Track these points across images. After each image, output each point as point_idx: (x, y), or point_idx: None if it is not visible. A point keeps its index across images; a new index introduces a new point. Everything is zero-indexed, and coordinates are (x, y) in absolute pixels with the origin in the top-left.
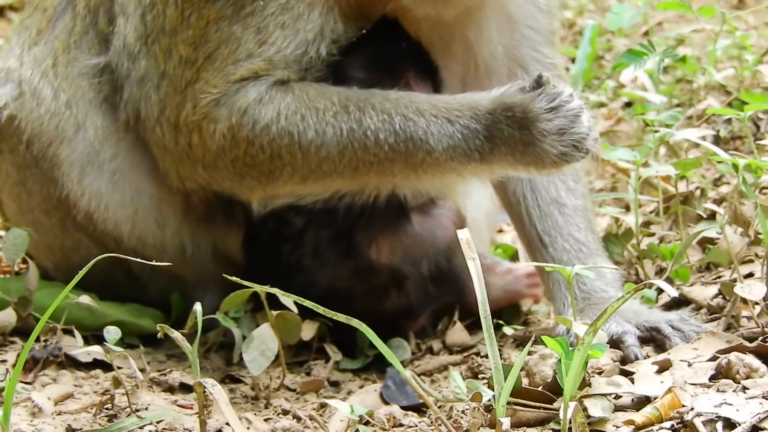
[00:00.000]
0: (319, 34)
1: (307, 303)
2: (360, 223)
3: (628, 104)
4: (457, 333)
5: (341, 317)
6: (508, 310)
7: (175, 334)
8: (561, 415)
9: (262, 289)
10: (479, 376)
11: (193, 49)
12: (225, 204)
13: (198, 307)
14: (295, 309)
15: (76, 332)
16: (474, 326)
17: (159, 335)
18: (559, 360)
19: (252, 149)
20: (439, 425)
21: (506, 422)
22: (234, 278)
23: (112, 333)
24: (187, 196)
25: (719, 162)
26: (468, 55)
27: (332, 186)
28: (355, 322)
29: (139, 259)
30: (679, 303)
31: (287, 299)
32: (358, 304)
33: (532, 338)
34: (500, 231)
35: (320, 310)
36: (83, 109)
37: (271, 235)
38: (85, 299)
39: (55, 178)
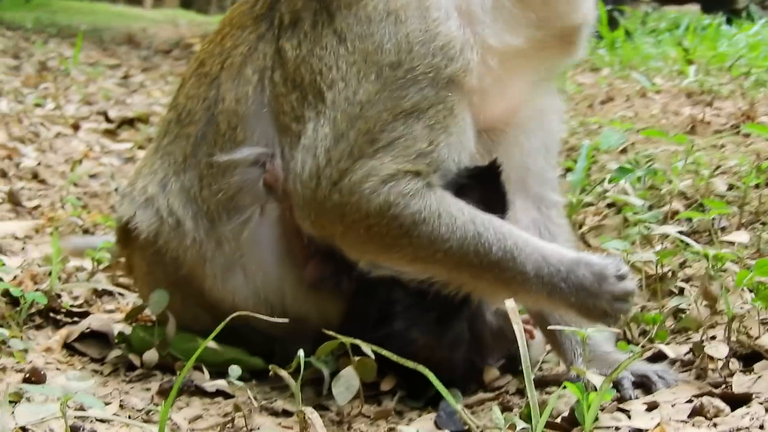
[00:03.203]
0: (456, 143)
1: (383, 351)
2: (459, 307)
3: (610, 204)
4: (492, 374)
5: (410, 364)
6: None
7: (283, 373)
8: None
9: (347, 340)
10: (511, 409)
11: (381, 130)
12: (332, 283)
13: (301, 353)
14: (372, 356)
15: (203, 368)
16: (502, 369)
17: (270, 374)
18: (577, 400)
19: (392, 224)
20: None
21: None
22: (330, 332)
23: (234, 370)
24: (301, 278)
25: (686, 250)
26: (507, 168)
27: (429, 271)
28: (421, 368)
29: (264, 317)
30: (659, 357)
31: (366, 348)
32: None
33: (562, 386)
34: None
35: (394, 358)
36: (223, 229)
37: (382, 309)
38: (211, 344)
39: (199, 288)
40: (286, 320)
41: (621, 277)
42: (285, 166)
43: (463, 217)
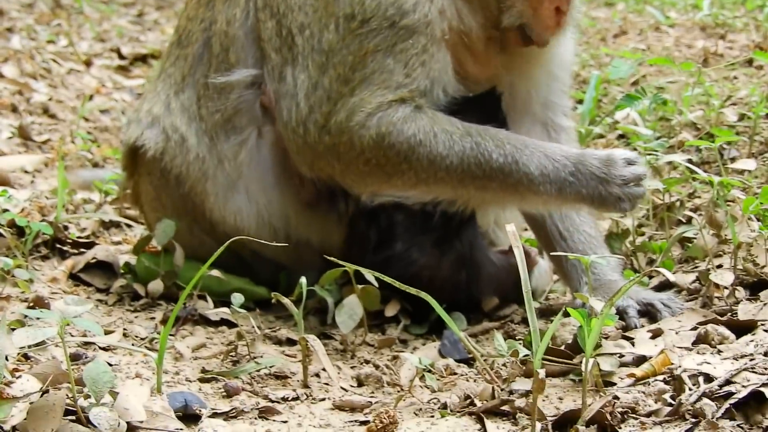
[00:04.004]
0: (438, 77)
1: (386, 278)
2: (458, 228)
3: (621, 136)
4: (492, 303)
5: (413, 290)
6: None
7: (286, 301)
8: (582, 368)
9: (351, 267)
10: (515, 337)
11: (352, 71)
12: (329, 204)
13: (303, 280)
14: (376, 284)
15: (208, 297)
16: (506, 299)
17: (273, 301)
18: (580, 327)
19: (389, 153)
20: (485, 374)
21: (542, 372)
22: (332, 258)
23: (237, 298)
24: (299, 198)
25: (696, 180)
26: (511, 95)
27: (434, 192)
28: (424, 295)
29: (265, 241)
30: (665, 286)
31: (370, 276)
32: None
33: (562, 310)
34: (525, 230)
35: (397, 284)
36: (222, 147)
37: (382, 232)
38: (215, 272)
39: (201, 207)
40: (286, 244)
41: (630, 162)
42: (275, 91)
43: (459, 131)
